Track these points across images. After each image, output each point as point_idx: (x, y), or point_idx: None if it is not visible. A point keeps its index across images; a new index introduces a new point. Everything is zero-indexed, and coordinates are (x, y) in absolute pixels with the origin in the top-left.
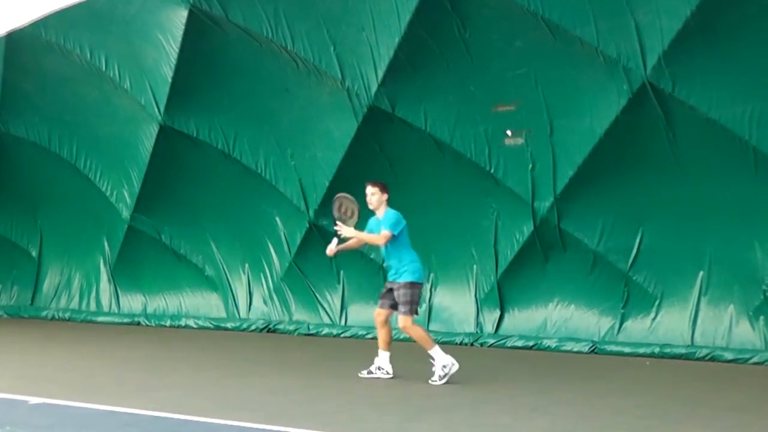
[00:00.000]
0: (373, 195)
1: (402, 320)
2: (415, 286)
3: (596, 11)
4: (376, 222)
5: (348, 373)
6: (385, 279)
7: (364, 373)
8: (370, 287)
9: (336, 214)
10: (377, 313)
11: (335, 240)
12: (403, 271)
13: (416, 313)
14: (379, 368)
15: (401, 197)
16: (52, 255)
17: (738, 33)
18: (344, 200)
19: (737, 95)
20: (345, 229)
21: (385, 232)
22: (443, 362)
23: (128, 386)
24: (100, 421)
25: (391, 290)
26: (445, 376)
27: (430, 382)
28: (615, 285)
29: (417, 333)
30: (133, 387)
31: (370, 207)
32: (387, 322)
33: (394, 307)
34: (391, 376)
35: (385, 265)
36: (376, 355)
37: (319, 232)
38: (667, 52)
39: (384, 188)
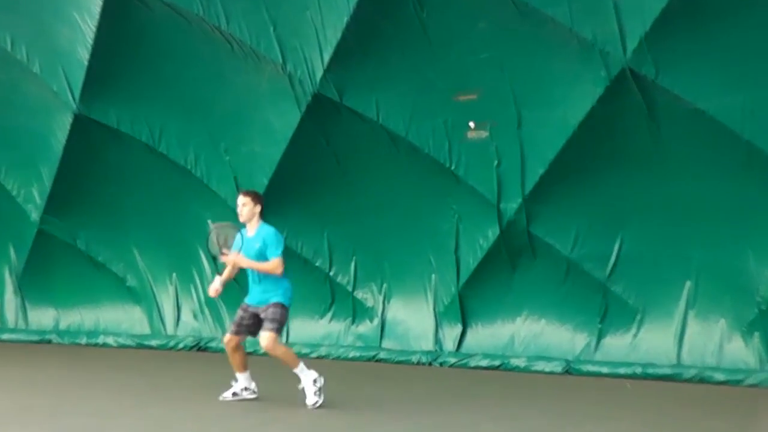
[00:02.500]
0: (245, 206)
1: (268, 338)
2: (285, 308)
3: None
4: (246, 239)
5: (291, 398)
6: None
7: (228, 395)
8: (316, 299)
9: (215, 248)
10: (229, 340)
11: (218, 278)
12: (277, 294)
13: (279, 333)
14: (245, 389)
15: (350, 197)
16: None
17: (728, 13)
18: (219, 230)
19: (728, 83)
20: (236, 258)
21: (276, 261)
22: (311, 377)
23: (35, 413)
24: None
25: (250, 315)
26: (319, 391)
27: (309, 407)
28: (591, 297)
29: (283, 351)
30: (41, 414)
31: (241, 219)
32: (239, 346)
33: (250, 332)
34: (257, 395)
35: (251, 286)
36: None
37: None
38: (649, 34)
39: (257, 199)
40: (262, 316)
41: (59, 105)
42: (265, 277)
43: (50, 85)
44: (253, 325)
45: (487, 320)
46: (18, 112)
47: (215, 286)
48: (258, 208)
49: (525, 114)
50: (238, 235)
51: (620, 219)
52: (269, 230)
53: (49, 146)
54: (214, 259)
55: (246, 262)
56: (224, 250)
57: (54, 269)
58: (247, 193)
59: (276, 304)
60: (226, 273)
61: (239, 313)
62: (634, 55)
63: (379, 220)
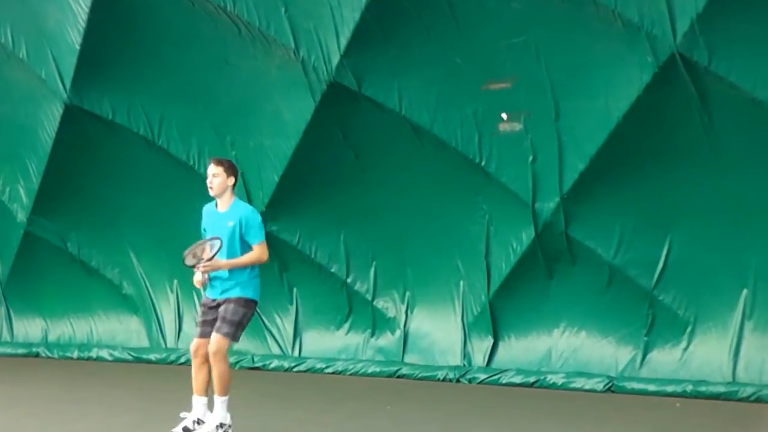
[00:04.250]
0: (216, 177)
1: (221, 342)
2: (249, 306)
3: None
4: (216, 216)
5: (306, 418)
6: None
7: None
8: (332, 308)
9: (191, 262)
10: (199, 345)
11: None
12: (242, 286)
13: (237, 339)
14: (198, 421)
15: (370, 196)
16: None
17: None
18: (194, 249)
19: None
20: (214, 264)
21: (261, 248)
22: (222, 419)
23: None
24: None
25: (213, 315)
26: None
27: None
28: (636, 306)
29: (225, 368)
30: None
31: (211, 192)
32: (207, 359)
33: None
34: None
35: (209, 279)
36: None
37: (267, 240)
38: (701, 16)
39: (231, 169)
40: (220, 310)
41: (48, 94)
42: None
43: (38, 71)
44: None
45: (520, 332)
46: (2, 101)
47: (197, 277)
48: (231, 180)
49: (563, 104)
50: (207, 211)
51: (669, 220)
52: (247, 209)
53: (37, 139)
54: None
55: (226, 264)
56: (198, 266)
57: (42, 275)
58: (219, 162)
59: (237, 300)
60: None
61: (201, 311)
62: (685, 39)
63: (402, 221)
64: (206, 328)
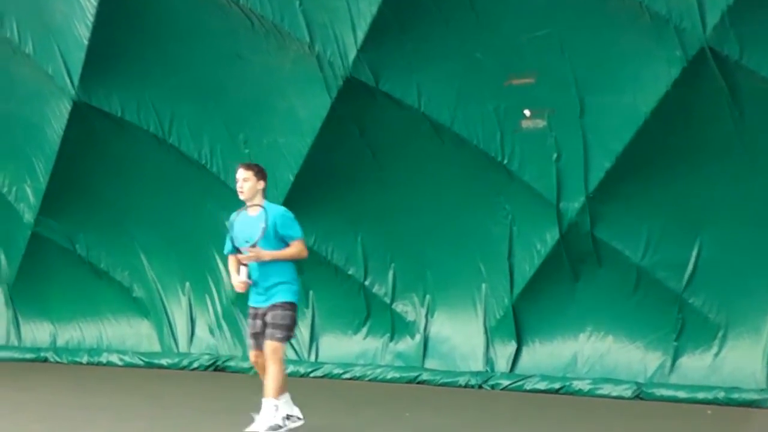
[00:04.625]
0: (246, 181)
1: (273, 345)
2: (294, 308)
3: None
4: (247, 221)
5: (322, 425)
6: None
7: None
8: (348, 312)
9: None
10: (256, 357)
11: (244, 269)
12: (283, 289)
13: (287, 341)
14: (287, 417)
15: (388, 196)
16: None
17: None
18: None
19: None
20: (257, 252)
21: (300, 241)
22: (274, 421)
23: None
24: None
25: (262, 324)
26: (277, 429)
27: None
28: (666, 310)
29: (280, 371)
30: None
31: (241, 197)
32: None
33: None
34: (302, 420)
35: (251, 282)
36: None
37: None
38: (732, 8)
39: (261, 173)
40: (267, 319)
41: (55, 90)
42: (268, 271)
43: (44, 67)
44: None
45: (545, 337)
46: (8, 98)
47: (242, 279)
48: (261, 184)
49: (588, 100)
50: (236, 218)
51: (698, 220)
52: (279, 208)
53: (44, 137)
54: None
55: (268, 254)
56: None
57: (50, 278)
58: (248, 167)
59: (282, 305)
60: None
61: (250, 323)
62: (715, 32)
63: (421, 221)
64: (259, 338)
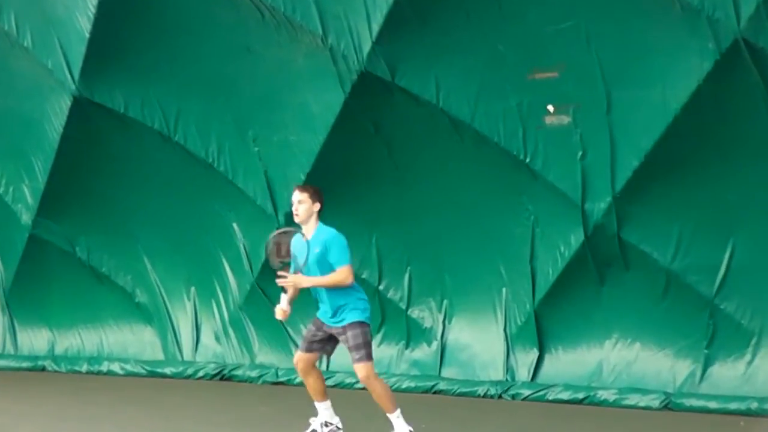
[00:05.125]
0: (301, 203)
1: (363, 368)
2: (364, 326)
3: None
4: (302, 244)
5: None
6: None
7: None
8: None
9: (276, 261)
10: (298, 359)
11: (284, 297)
12: (351, 309)
13: (372, 357)
14: (325, 424)
15: (404, 195)
16: None
17: None
18: (282, 238)
19: None
20: (296, 279)
21: (345, 269)
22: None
23: None
24: None
25: (324, 333)
26: None
27: None
28: (696, 316)
29: (381, 387)
30: None
31: (297, 220)
32: (313, 366)
33: (325, 352)
34: (342, 430)
35: (318, 303)
36: (314, 413)
37: None
38: None
39: (317, 195)
40: (342, 341)
41: (55, 85)
42: (332, 291)
43: (44, 61)
44: (329, 343)
45: (569, 344)
46: (6, 94)
47: (282, 306)
48: (317, 207)
49: (616, 95)
50: (296, 241)
51: (731, 221)
52: (331, 232)
53: (43, 135)
54: (275, 275)
55: (308, 281)
56: (281, 270)
57: (48, 282)
58: (304, 189)
59: (354, 325)
60: (290, 291)
61: (310, 328)
62: (750, 23)
63: (439, 223)
64: (311, 345)
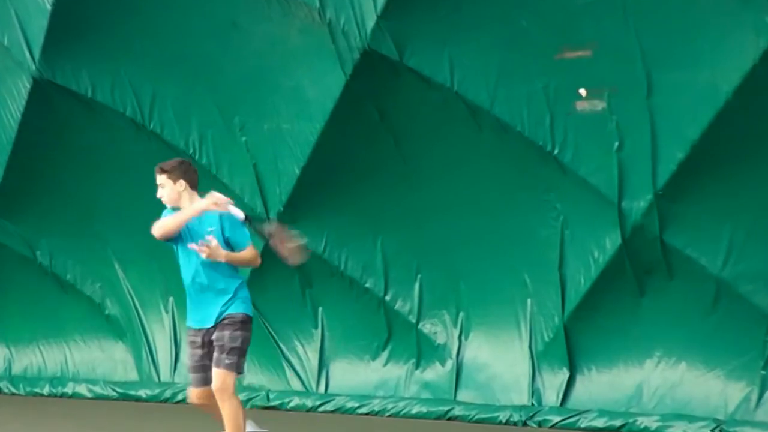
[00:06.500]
0: (163, 188)
1: (226, 378)
2: (246, 326)
3: None
4: (188, 226)
5: None
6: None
7: None
8: (366, 333)
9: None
10: (198, 395)
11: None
12: (234, 300)
13: (242, 371)
14: None
15: (413, 193)
16: None
17: None
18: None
19: None
20: (213, 250)
21: (252, 247)
22: None
23: None
24: None
25: (204, 351)
26: None
27: None
28: (751, 331)
29: (236, 409)
30: None
31: (167, 204)
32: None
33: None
34: None
35: (193, 295)
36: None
37: None
38: None
39: (176, 172)
40: (215, 338)
41: (11, 65)
42: (214, 277)
43: None
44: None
45: (603, 364)
46: None
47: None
48: (182, 185)
49: (657, 77)
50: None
51: None
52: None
53: None
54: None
55: (225, 254)
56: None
57: (5, 292)
58: (161, 170)
59: (236, 321)
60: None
61: (189, 350)
62: None
63: (453, 224)
64: (207, 374)
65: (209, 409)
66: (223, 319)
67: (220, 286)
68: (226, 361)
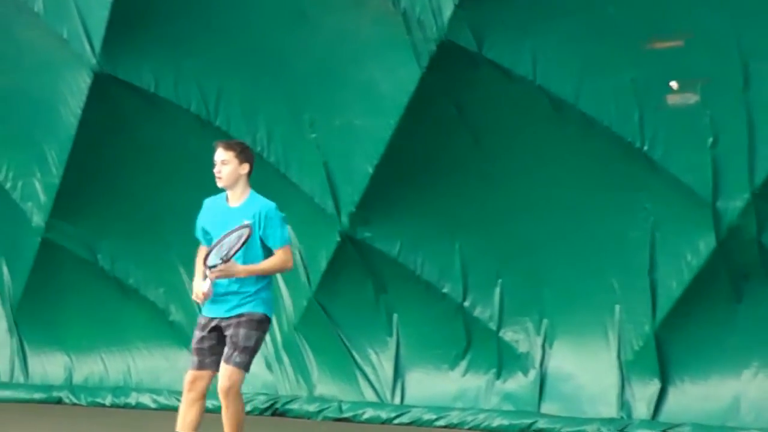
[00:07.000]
0: (225, 165)
1: (235, 376)
2: (262, 326)
3: None
4: (225, 212)
5: None
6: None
7: None
8: (444, 341)
9: (214, 261)
10: (194, 377)
11: (208, 282)
12: (252, 298)
13: (248, 370)
14: None
15: (493, 193)
16: None
17: None
18: (222, 242)
19: None
20: (227, 270)
21: (286, 250)
22: None
23: None
24: None
25: (211, 340)
26: None
27: None
28: None
29: (239, 410)
30: None
31: (220, 183)
32: (205, 394)
33: (217, 366)
34: None
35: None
36: None
37: (358, 250)
38: None
39: (244, 154)
40: (229, 334)
41: (71, 59)
42: (239, 279)
43: (58, 30)
44: (219, 349)
45: (698, 374)
46: (12, 69)
47: (204, 289)
48: (245, 168)
49: (755, 68)
50: (208, 208)
51: None
52: (267, 204)
53: (58, 119)
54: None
55: (244, 270)
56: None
57: (65, 297)
58: (228, 146)
59: (252, 319)
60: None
61: (196, 334)
62: None
63: (536, 225)
64: (204, 357)
65: (194, 409)
66: (242, 316)
67: (243, 289)
68: (237, 359)
